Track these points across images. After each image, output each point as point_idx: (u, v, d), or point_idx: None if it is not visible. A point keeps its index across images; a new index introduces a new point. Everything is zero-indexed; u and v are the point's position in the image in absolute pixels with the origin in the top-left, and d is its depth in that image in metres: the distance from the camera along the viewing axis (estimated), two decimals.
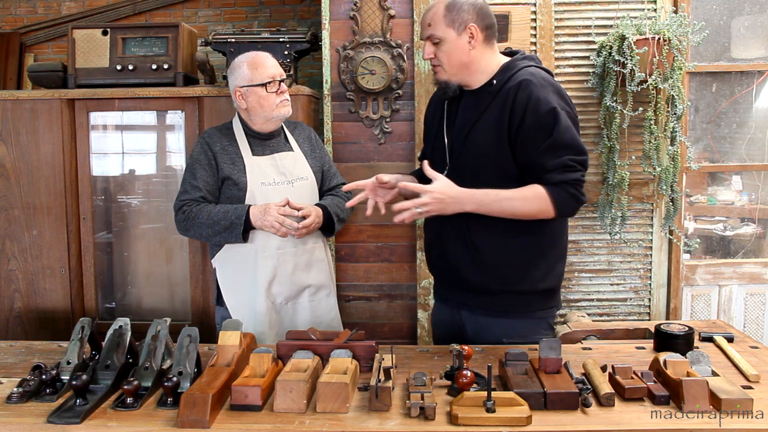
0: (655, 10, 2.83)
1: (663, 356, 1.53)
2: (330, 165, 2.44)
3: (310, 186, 2.31)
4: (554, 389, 1.42)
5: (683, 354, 1.60)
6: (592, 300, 3.01)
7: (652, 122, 2.75)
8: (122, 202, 2.96)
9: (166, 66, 2.81)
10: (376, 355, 1.62)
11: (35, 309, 2.86)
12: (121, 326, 1.65)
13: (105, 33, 2.85)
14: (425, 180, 1.85)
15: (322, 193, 2.38)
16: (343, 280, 3.00)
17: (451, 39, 1.82)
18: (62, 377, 1.54)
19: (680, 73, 2.71)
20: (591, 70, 2.86)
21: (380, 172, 1.97)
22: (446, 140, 1.93)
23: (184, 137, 2.85)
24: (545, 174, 1.76)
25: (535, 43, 2.86)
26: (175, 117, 2.92)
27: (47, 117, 2.78)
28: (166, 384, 1.45)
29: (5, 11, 4.36)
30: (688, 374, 1.46)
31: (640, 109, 2.73)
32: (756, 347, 1.84)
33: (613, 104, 2.73)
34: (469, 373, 1.46)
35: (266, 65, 2.21)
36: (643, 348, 1.85)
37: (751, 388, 1.53)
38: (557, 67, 2.88)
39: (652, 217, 2.96)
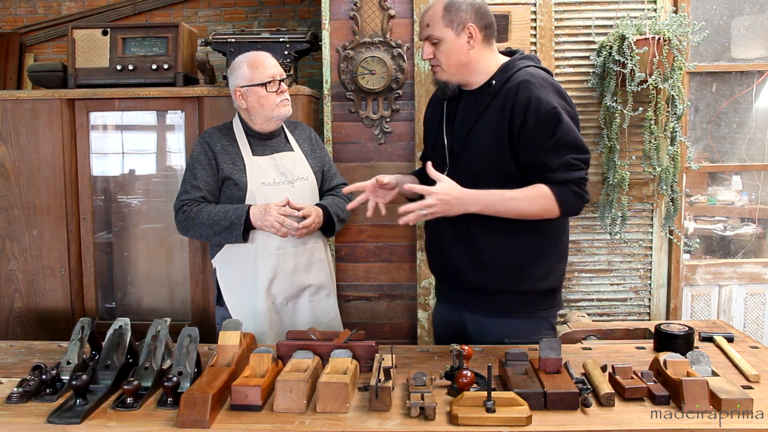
0: (655, 10, 2.83)
1: (663, 356, 1.53)
2: (330, 165, 2.44)
3: (310, 186, 2.31)
4: (554, 389, 1.42)
5: (683, 354, 1.60)
6: (592, 300, 3.01)
7: (652, 122, 2.75)
8: (122, 202, 2.96)
9: (166, 66, 2.81)
10: (376, 355, 1.62)
11: (35, 309, 2.86)
12: (121, 326, 1.65)
13: (105, 33, 2.85)
14: (425, 180, 1.85)
15: (323, 193, 2.37)
16: (343, 280, 3.00)
17: (450, 39, 1.82)
18: (62, 377, 1.55)
19: (680, 73, 2.72)
20: (591, 70, 2.86)
21: (380, 172, 1.97)
22: (446, 140, 1.93)
23: (184, 137, 2.84)
24: (549, 173, 1.76)
25: (535, 43, 2.86)
26: (175, 117, 2.92)
27: (47, 117, 2.78)
28: (166, 384, 1.45)
29: (5, 11, 4.36)
30: (688, 374, 1.46)
31: (640, 109, 2.73)
32: (756, 347, 1.84)
33: (613, 104, 2.73)
34: (469, 373, 1.46)
35: (266, 65, 2.21)
36: (643, 348, 1.85)
37: (751, 388, 1.53)
38: (557, 67, 2.88)
39: (652, 217, 2.96)
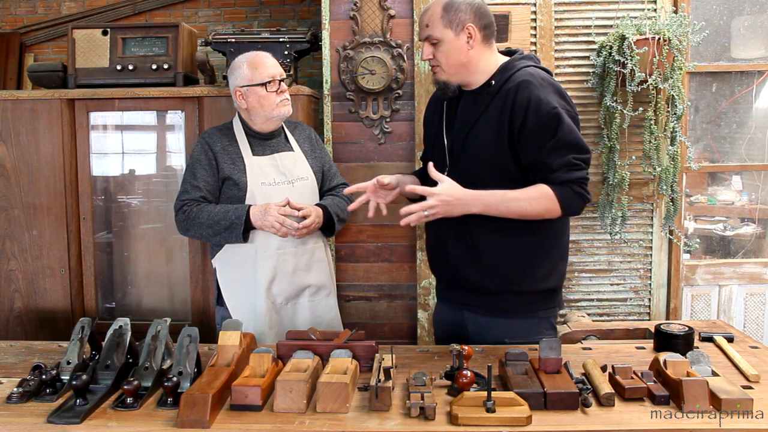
0: (655, 10, 2.83)
1: (663, 356, 1.53)
2: (330, 165, 2.44)
3: (310, 186, 2.31)
4: (554, 389, 1.42)
5: (683, 354, 1.60)
6: (592, 300, 3.01)
7: (652, 122, 2.75)
8: (122, 202, 2.96)
9: (166, 66, 2.81)
10: (376, 355, 1.62)
11: (35, 309, 2.86)
12: (121, 326, 1.65)
13: (105, 33, 2.85)
14: (426, 180, 1.85)
15: (323, 193, 2.37)
16: (343, 280, 3.00)
17: (449, 39, 1.82)
18: (62, 377, 1.55)
19: (680, 73, 2.72)
20: (591, 70, 2.86)
21: (380, 172, 1.97)
22: (446, 141, 1.93)
23: (184, 137, 2.84)
24: (550, 174, 1.76)
25: (535, 43, 2.86)
26: (175, 117, 2.92)
27: (47, 117, 2.78)
28: (166, 384, 1.45)
29: (5, 11, 4.36)
30: (688, 374, 1.46)
31: (640, 109, 2.73)
32: (756, 347, 1.84)
33: (613, 104, 2.73)
34: (469, 373, 1.46)
35: (266, 65, 2.21)
36: (643, 348, 1.85)
37: (751, 388, 1.53)
38: (557, 67, 2.88)
39: (652, 217, 2.96)
